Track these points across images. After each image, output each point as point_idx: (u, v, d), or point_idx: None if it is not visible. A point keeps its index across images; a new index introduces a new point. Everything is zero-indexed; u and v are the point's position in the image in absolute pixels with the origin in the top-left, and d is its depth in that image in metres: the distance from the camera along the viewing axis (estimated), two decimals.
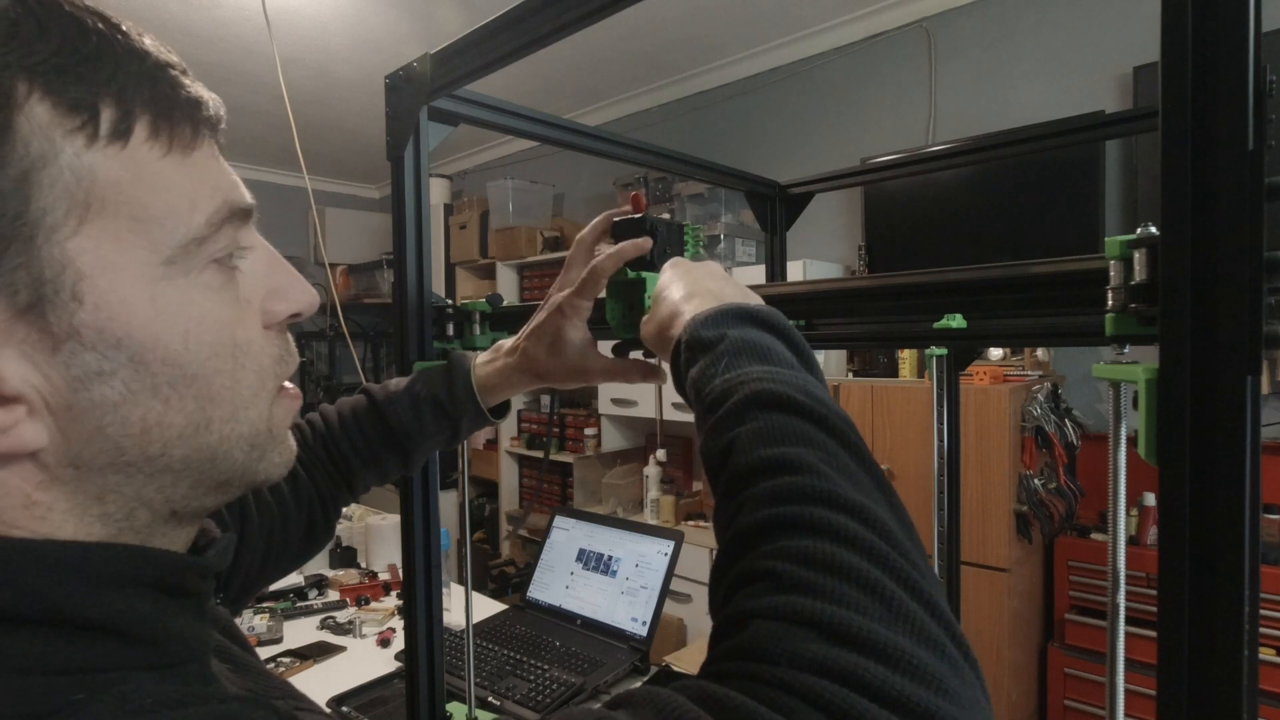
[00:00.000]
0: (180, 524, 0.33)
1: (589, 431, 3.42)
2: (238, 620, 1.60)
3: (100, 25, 0.29)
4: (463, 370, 0.67)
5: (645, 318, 0.53)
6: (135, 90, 0.29)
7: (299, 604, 1.76)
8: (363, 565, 2.07)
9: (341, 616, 1.70)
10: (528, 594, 1.68)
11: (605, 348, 0.64)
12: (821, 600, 0.28)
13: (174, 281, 0.30)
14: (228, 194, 0.32)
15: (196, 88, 0.32)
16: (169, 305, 0.30)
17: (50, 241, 0.27)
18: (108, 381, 0.28)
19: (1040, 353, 2.22)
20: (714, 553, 1.99)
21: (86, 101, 0.28)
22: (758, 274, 2.34)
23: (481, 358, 0.69)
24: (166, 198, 0.30)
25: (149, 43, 0.31)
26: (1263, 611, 1.73)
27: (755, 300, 0.48)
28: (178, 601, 0.32)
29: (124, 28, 0.30)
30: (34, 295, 0.27)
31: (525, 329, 0.65)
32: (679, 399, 2.93)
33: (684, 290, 0.50)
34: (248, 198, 0.34)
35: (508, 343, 0.68)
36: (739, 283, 0.52)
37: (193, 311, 0.30)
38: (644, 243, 0.61)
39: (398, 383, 0.70)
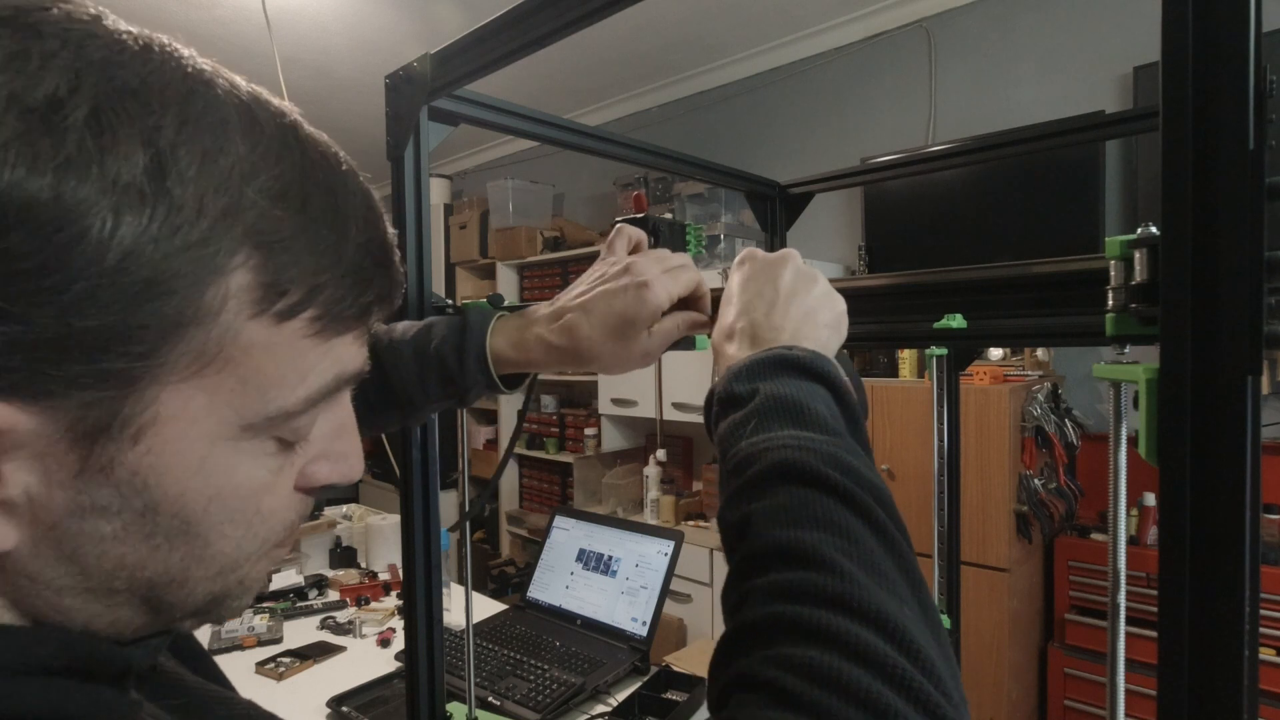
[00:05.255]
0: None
1: (589, 431, 3.42)
2: (238, 620, 1.60)
3: (354, 207, 0.28)
4: (477, 339, 0.59)
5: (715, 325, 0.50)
6: (330, 286, 0.28)
7: (299, 604, 1.76)
8: (363, 565, 2.07)
9: (341, 616, 1.70)
10: (528, 594, 1.68)
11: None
12: None
13: (234, 445, 0.28)
14: (345, 367, 0.31)
15: (386, 282, 0.31)
16: (214, 468, 0.28)
17: (154, 384, 0.25)
18: (109, 518, 0.26)
19: (1040, 353, 2.22)
20: (714, 553, 1.99)
21: (284, 283, 0.26)
22: None
23: (507, 322, 0.61)
24: (284, 369, 0.28)
25: (381, 233, 0.30)
26: (1263, 611, 1.73)
27: (829, 308, 0.44)
28: (92, 685, 0.29)
29: (374, 212, 0.29)
30: (99, 426, 0.25)
31: (568, 301, 0.57)
32: (679, 399, 2.94)
33: (734, 313, 0.46)
34: (362, 366, 0.32)
35: (543, 309, 0.59)
36: (811, 283, 0.47)
37: (232, 478, 0.29)
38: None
39: (405, 328, 0.63)
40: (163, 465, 0.27)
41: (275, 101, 0.28)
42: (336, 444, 0.34)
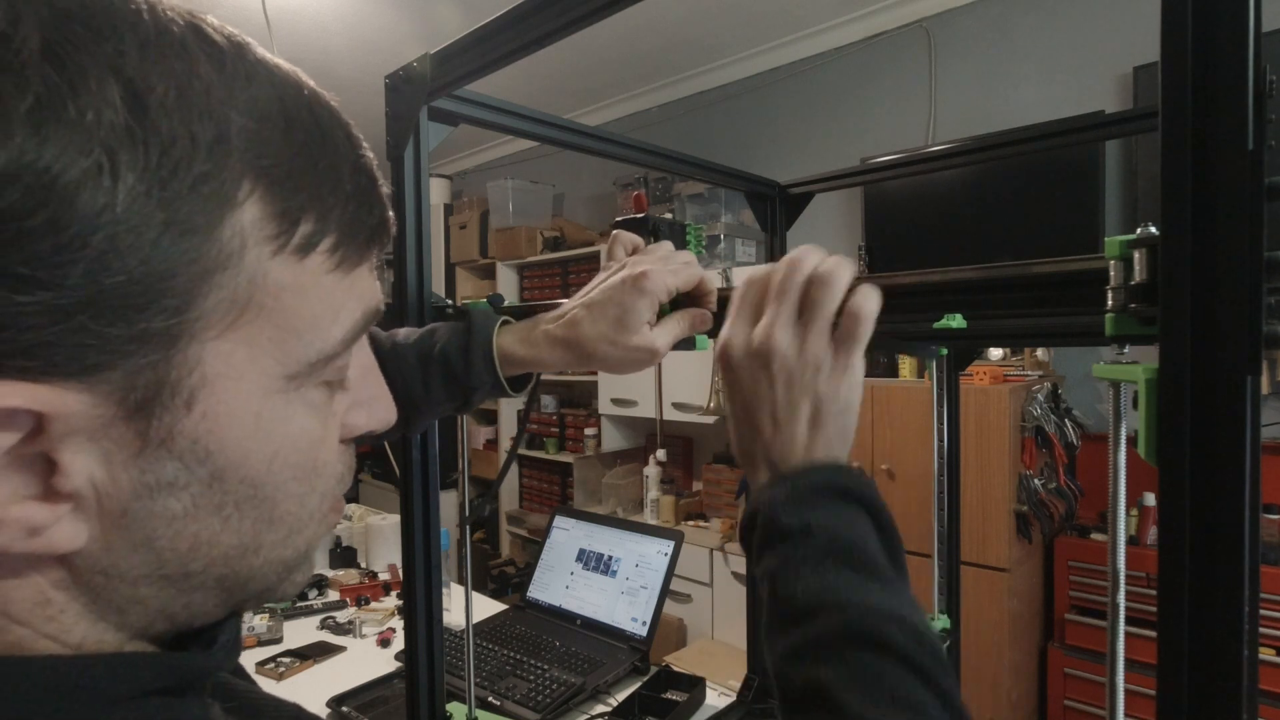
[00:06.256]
0: (189, 631, 0.31)
1: (589, 431, 3.42)
2: None
3: (339, 131, 0.28)
4: (483, 337, 0.60)
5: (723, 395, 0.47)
6: (337, 209, 0.27)
7: (299, 604, 1.76)
8: (363, 565, 2.07)
9: (341, 616, 1.70)
10: (528, 594, 1.68)
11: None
12: None
13: (285, 396, 0.28)
14: (368, 303, 0.30)
15: (383, 205, 0.30)
16: (270, 423, 0.27)
17: (194, 342, 0.24)
18: (177, 494, 0.26)
19: (1040, 353, 2.23)
20: (714, 553, 1.98)
21: (293, 214, 0.26)
22: None
23: (513, 323, 0.62)
24: (316, 309, 0.28)
25: (366, 154, 0.29)
26: (1263, 611, 1.73)
27: (849, 357, 0.41)
28: (181, 700, 0.29)
29: (354, 135, 0.29)
30: (149, 396, 0.24)
31: (572, 301, 0.59)
32: (679, 399, 2.94)
33: (750, 402, 0.43)
34: (380, 301, 0.32)
35: (549, 313, 0.61)
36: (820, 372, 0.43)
37: (289, 430, 0.28)
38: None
39: (407, 334, 0.63)
40: (221, 429, 0.26)
41: (216, 22, 0.26)
42: (364, 390, 0.33)
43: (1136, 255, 0.36)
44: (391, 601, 1.80)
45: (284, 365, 0.27)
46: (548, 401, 3.68)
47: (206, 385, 0.25)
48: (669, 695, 1.26)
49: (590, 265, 3.36)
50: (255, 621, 1.61)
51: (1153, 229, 0.36)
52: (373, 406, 0.34)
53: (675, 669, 1.33)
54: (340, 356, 0.30)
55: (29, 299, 0.21)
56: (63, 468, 0.23)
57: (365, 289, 0.30)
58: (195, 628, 0.30)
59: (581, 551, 1.64)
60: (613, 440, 3.39)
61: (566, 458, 3.48)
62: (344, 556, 2.06)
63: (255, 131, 0.25)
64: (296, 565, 0.32)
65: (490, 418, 3.95)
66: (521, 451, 3.70)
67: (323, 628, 1.66)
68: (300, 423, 0.29)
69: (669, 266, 0.57)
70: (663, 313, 0.59)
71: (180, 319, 0.24)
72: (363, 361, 0.34)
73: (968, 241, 2.41)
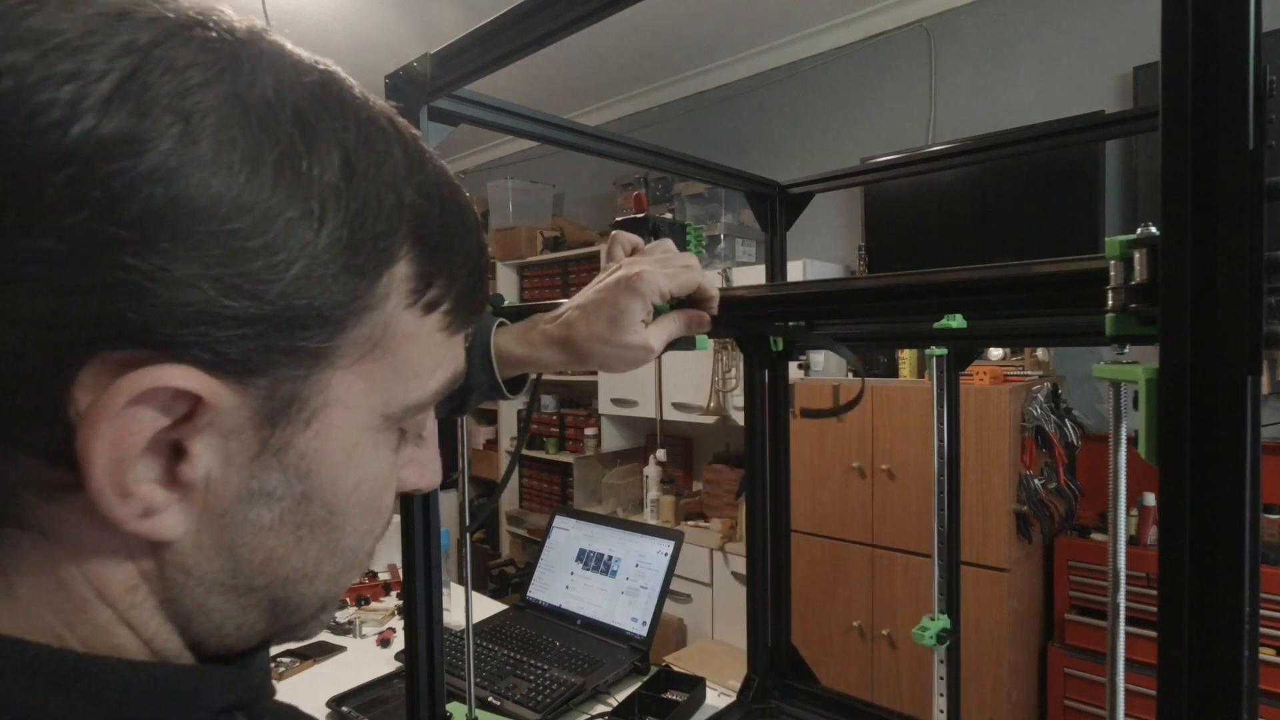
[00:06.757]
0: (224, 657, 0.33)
1: (589, 431, 3.42)
2: None
3: (471, 218, 0.33)
4: (481, 338, 0.62)
5: None
6: (460, 280, 0.32)
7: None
8: None
9: (341, 616, 1.70)
10: (528, 594, 1.68)
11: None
12: None
13: (375, 435, 0.31)
14: (457, 366, 0.34)
15: (487, 286, 0.35)
16: (360, 457, 0.30)
17: (330, 367, 0.28)
18: (270, 505, 0.28)
19: (1040, 353, 2.23)
20: (714, 553, 1.99)
21: (431, 275, 0.30)
22: (758, 274, 2.34)
23: (511, 325, 0.64)
24: (423, 361, 0.31)
25: (486, 241, 0.34)
26: (1263, 611, 1.73)
27: None
28: (227, 715, 0.31)
29: (479, 223, 0.33)
30: (282, 407, 0.27)
31: (570, 303, 0.61)
32: (679, 399, 2.94)
33: None
34: (462, 369, 0.35)
35: (546, 314, 0.63)
36: None
37: (371, 467, 0.31)
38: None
39: None
40: (325, 451, 0.29)
41: (403, 121, 0.32)
42: (421, 451, 0.36)
43: (1136, 255, 0.36)
44: (391, 601, 1.80)
45: (386, 405, 0.31)
46: (548, 401, 3.68)
47: (326, 408, 0.28)
48: (669, 695, 1.26)
49: (590, 265, 3.37)
50: None
51: (1153, 229, 0.36)
52: (425, 468, 0.37)
53: (675, 669, 1.33)
54: (427, 408, 0.33)
55: (233, 304, 0.24)
56: (192, 457, 0.26)
57: (458, 354, 0.34)
58: (233, 653, 0.32)
59: (581, 551, 1.64)
60: (613, 440, 3.39)
61: (566, 458, 3.48)
62: None
63: (421, 206, 0.29)
64: (328, 604, 0.34)
65: (490, 418, 3.95)
66: (522, 451, 3.70)
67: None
68: (380, 462, 0.32)
69: (666, 269, 0.58)
70: (660, 311, 0.59)
71: (329, 344, 0.27)
72: (429, 425, 0.37)
73: (968, 241, 2.41)
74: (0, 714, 0.24)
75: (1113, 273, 0.38)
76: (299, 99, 0.26)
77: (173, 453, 0.26)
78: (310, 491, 0.29)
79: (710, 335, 0.65)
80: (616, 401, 3.20)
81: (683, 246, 0.65)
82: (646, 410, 3.08)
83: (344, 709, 1.28)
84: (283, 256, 0.25)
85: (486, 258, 0.35)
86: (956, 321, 0.51)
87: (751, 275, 2.68)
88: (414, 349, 0.31)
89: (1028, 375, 2.17)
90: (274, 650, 1.50)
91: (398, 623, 1.66)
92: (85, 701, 0.25)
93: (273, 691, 0.35)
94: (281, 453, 0.28)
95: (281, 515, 0.29)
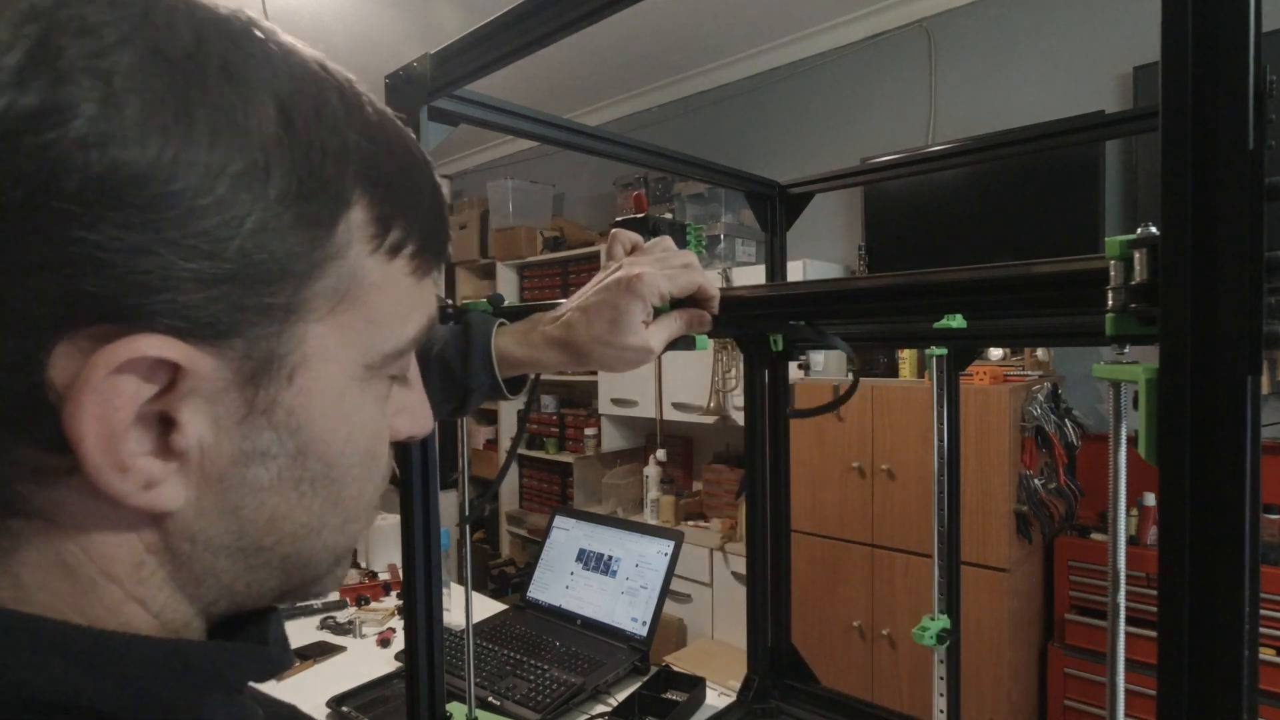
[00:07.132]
0: (239, 620, 0.33)
1: (589, 431, 3.42)
2: None
3: (420, 157, 0.32)
4: (482, 337, 0.62)
5: None
6: (420, 221, 0.32)
7: (298, 604, 1.77)
8: (363, 565, 2.07)
9: (341, 616, 1.70)
10: (528, 594, 1.68)
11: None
12: None
13: (360, 384, 0.31)
14: (431, 309, 0.34)
15: (447, 226, 0.35)
16: (348, 407, 0.31)
17: (301, 321, 0.28)
18: (267, 464, 0.28)
19: (1040, 353, 2.23)
20: (714, 553, 1.99)
21: (389, 218, 0.30)
22: (758, 274, 2.34)
23: (511, 325, 0.64)
24: (395, 307, 0.31)
25: (439, 179, 0.34)
26: (1263, 611, 1.73)
27: None
28: (239, 696, 0.32)
29: (430, 162, 0.33)
30: (261, 366, 0.27)
31: (570, 303, 0.61)
32: (679, 399, 2.94)
33: None
34: (436, 311, 0.35)
35: (547, 315, 0.63)
36: None
37: (361, 416, 0.31)
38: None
39: None
40: (312, 405, 0.29)
41: (334, 65, 0.32)
42: (408, 397, 0.37)
43: (1137, 255, 0.36)
44: (391, 601, 1.80)
45: (365, 354, 0.31)
46: (548, 401, 3.68)
47: (306, 362, 0.28)
48: (669, 695, 1.26)
49: (590, 265, 3.36)
50: None
51: (1153, 229, 0.36)
52: (415, 413, 0.37)
53: (675, 669, 1.33)
54: (407, 354, 0.33)
55: (193, 266, 0.24)
56: (181, 426, 0.26)
57: (430, 297, 0.34)
58: (246, 611, 0.33)
59: (581, 551, 1.64)
60: (613, 440, 3.39)
61: (566, 458, 3.48)
62: None
63: (366, 149, 0.29)
64: (343, 557, 0.35)
65: (490, 418, 3.95)
66: (521, 451, 3.70)
67: (323, 628, 1.66)
68: (370, 411, 0.32)
69: (665, 269, 0.58)
70: (660, 311, 0.59)
71: (297, 297, 0.27)
72: (412, 370, 0.37)
73: (968, 241, 2.41)
74: (21, 689, 0.24)
75: (1113, 273, 0.38)
76: (223, 50, 0.26)
77: (162, 424, 0.26)
78: (304, 446, 0.29)
79: (710, 335, 0.65)
80: (616, 401, 3.20)
81: (683, 246, 0.65)
82: (646, 410, 3.08)
83: (344, 709, 1.28)
84: (235, 212, 0.24)
85: (443, 197, 0.35)
86: (956, 321, 0.51)
87: (751, 275, 2.68)
88: (384, 296, 0.30)
89: (1028, 375, 2.17)
90: None
91: (398, 623, 1.66)
92: (108, 677, 0.25)
93: (292, 661, 0.35)
94: (269, 412, 0.28)
95: (279, 473, 0.29)
